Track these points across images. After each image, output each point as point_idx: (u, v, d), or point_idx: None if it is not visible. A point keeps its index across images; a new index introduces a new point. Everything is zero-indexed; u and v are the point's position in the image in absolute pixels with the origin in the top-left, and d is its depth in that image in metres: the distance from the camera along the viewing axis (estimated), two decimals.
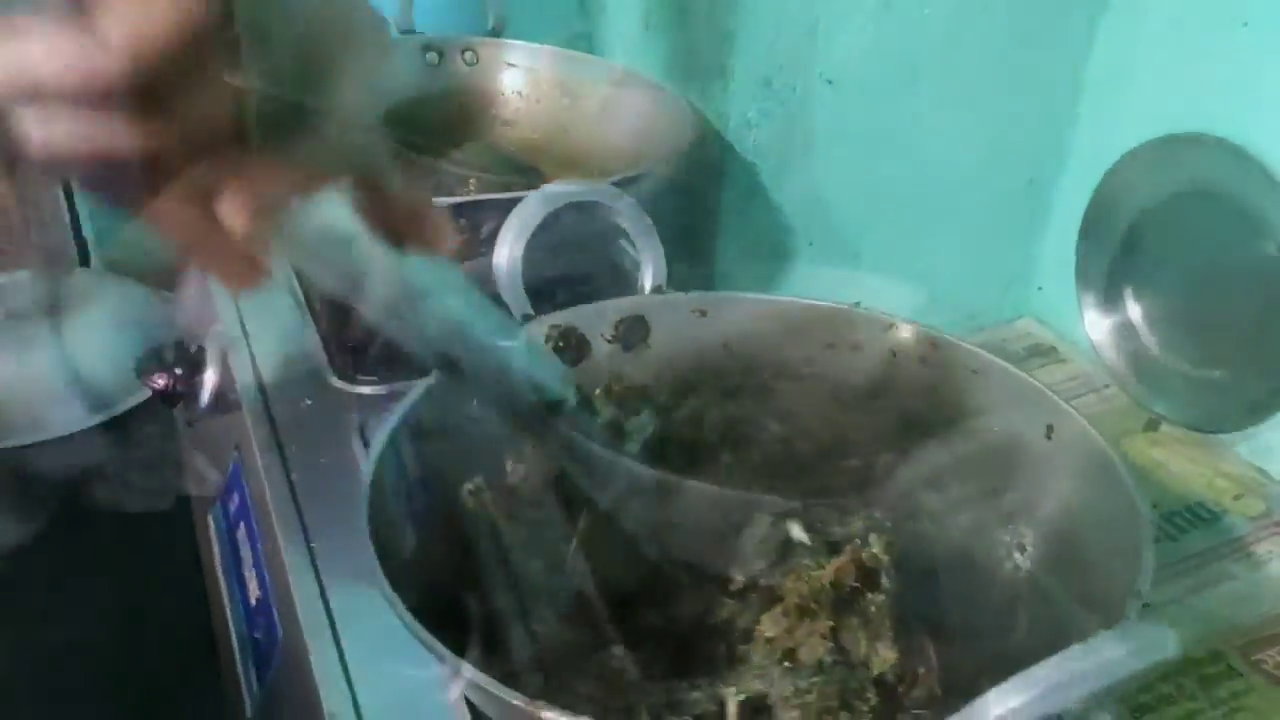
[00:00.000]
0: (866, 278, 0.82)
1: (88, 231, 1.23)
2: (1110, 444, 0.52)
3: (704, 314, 0.65)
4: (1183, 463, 0.95)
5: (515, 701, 0.39)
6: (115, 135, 0.30)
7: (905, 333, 0.63)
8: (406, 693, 0.55)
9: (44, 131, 0.30)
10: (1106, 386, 1.03)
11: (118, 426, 0.98)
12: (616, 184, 0.70)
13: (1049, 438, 0.56)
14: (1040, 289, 1.13)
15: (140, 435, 0.96)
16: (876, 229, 1.02)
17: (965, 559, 0.56)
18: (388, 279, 0.40)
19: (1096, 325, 1.02)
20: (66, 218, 1.16)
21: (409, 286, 0.41)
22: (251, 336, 0.83)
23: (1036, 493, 0.56)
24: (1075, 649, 0.33)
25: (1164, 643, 0.34)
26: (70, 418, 0.98)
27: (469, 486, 0.56)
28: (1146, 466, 0.96)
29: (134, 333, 1.05)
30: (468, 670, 0.40)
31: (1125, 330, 1.01)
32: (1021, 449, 0.57)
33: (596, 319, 0.64)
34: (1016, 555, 0.56)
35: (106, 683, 0.75)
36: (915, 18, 0.93)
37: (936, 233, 1.06)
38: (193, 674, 0.74)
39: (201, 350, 0.82)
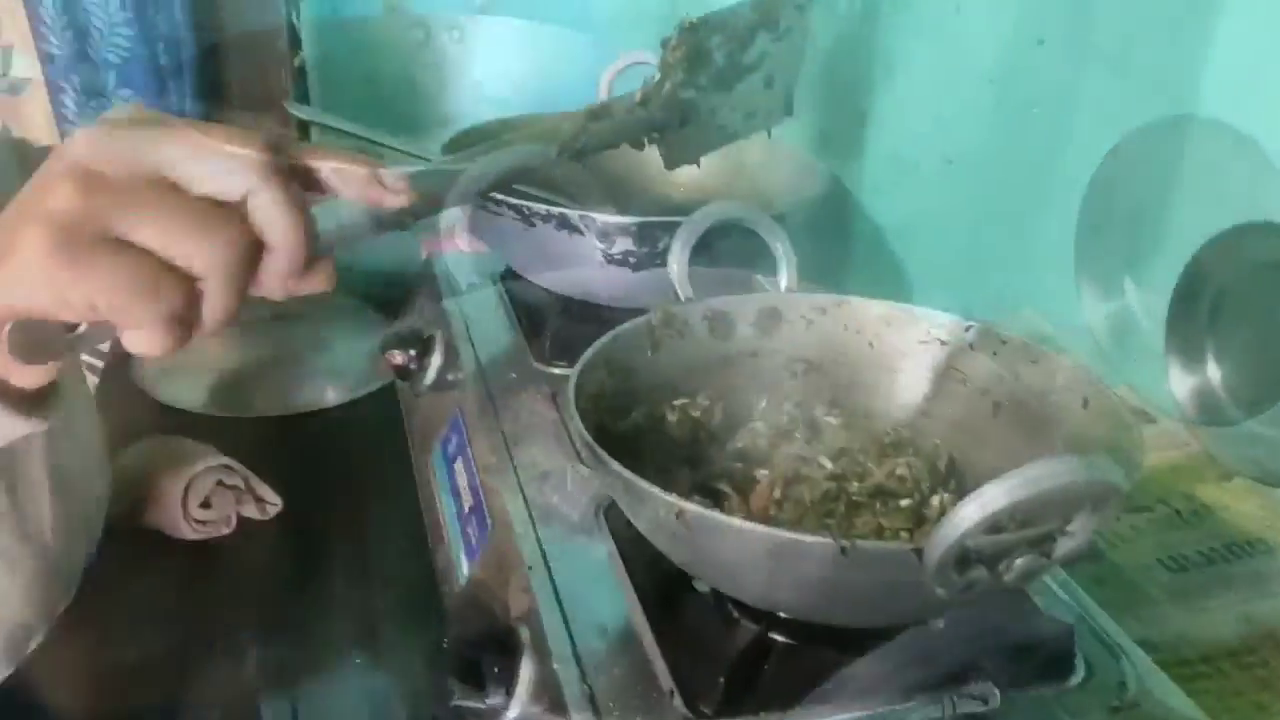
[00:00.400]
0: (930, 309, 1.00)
1: None
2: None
3: (824, 311, 0.85)
4: (1251, 508, 1.07)
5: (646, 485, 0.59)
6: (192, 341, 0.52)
7: (982, 332, 0.81)
8: (581, 557, 0.75)
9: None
10: (1188, 444, 1.16)
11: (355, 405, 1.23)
12: None
13: (1085, 407, 0.73)
14: (1134, 361, 1.27)
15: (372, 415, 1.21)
16: (985, 292, 1.19)
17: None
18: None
19: (1180, 385, 1.16)
20: None
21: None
22: (471, 328, 1.06)
23: (1069, 446, 0.72)
24: (1049, 458, 0.50)
25: (1111, 468, 0.51)
26: (315, 397, 1.23)
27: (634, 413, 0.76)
28: (1215, 508, 1.09)
29: (364, 335, 1.29)
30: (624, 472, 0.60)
31: (1205, 390, 1.14)
32: (1064, 416, 0.74)
33: (740, 307, 0.84)
34: None
35: (341, 593, 0.97)
36: (1023, 115, 1.11)
37: (1040, 303, 1.22)
38: (415, 571, 0.95)
39: (432, 338, 1.05)
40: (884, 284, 1.15)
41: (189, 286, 0.48)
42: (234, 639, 0.91)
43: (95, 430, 0.78)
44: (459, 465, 0.92)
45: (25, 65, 1.61)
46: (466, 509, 0.87)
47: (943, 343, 0.82)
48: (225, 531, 1.01)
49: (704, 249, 0.87)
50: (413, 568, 0.96)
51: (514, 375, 0.98)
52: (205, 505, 0.99)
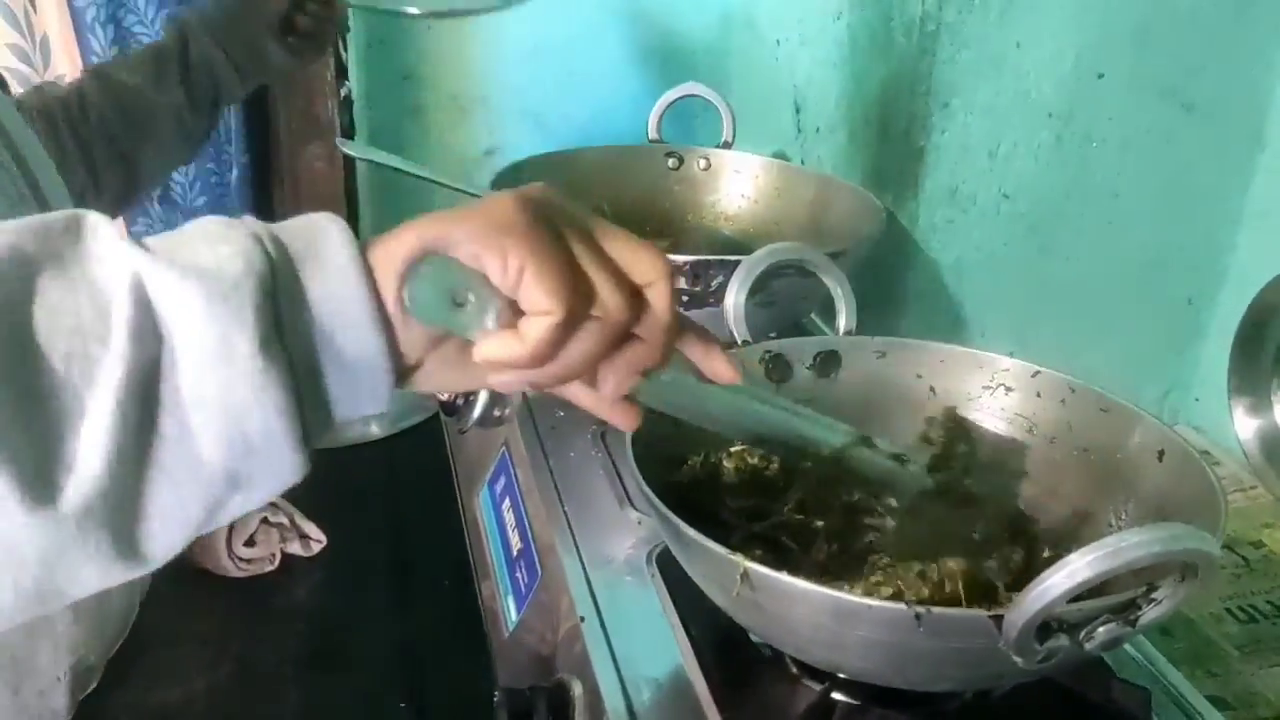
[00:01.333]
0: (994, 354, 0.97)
1: None
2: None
3: (884, 355, 0.82)
4: None
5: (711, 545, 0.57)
6: (539, 379, 0.48)
7: (1049, 379, 0.78)
8: (634, 605, 0.73)
9: (501, 381, 0.48)
10: (1254, 487, 1.13)
11: (397, 440, 1.21)
12: None
13: (1160, 460, 0.70)
14: (1197, 400, 1.24)
15: (415, 449, 1.19)
16: (1043, 329, 1.17)
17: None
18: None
19: (1245, 428, 1.13)
20: None
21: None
22: None
23: (1147, 500, 0.70)
24: (1136, 528, 0.47)
25: (1200, 537, 0.49)
26: (362, 430, 1.21)
27: (690, 461, 0.74)
28: None
29: None
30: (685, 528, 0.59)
31: (1272, 435, 1.11)
32: (1138, 468, 0.71)
33: (799, 350, 0.81)
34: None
35: (385, 628, 0.96)
36: (1083, 149, 1.09)
37: (1100, 338, 1.19)
38: (461, 612, 0.94)
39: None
40: (940, 322, 1.12)
41: (585, 316, 0.46)
42: (278, 678, 0.90)
43: None
44: (507, 506, 0.90)
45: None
46: (515, 553, 0.85)
47: (1008, 389, 0.80)
48: (270, 569, 1.00)
49: (758, 288, 0.86)
50: (458, 608, 0.95)
51: (561, 414, 0.96)
52: (250, 543, 0.98)
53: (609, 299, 0.46)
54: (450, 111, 1.50)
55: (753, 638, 0.70)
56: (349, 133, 1.55)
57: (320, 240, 0.43)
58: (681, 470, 0.74)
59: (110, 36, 1.60)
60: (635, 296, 0.47)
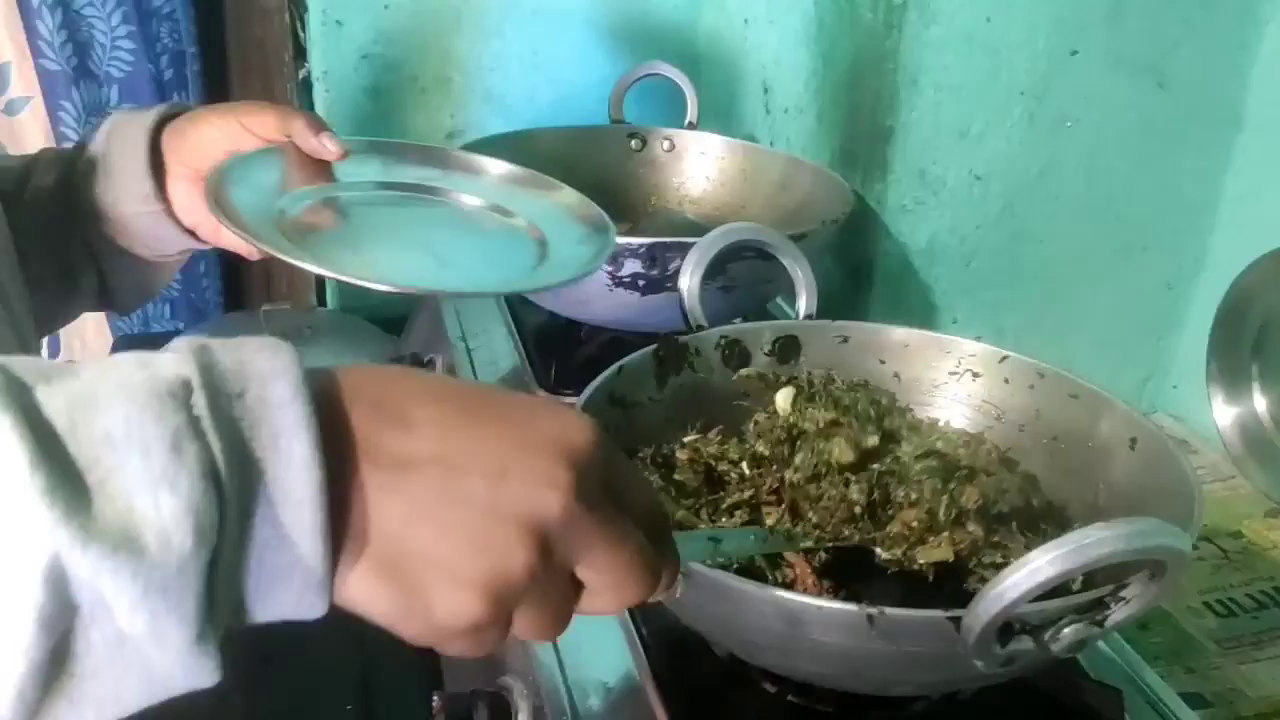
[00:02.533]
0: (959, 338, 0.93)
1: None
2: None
3: (845, 340, 0.79)
4: None
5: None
6: None
7: (1017, 364, 0.75)
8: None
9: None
10: (1233, 476, 1.10)
11: None
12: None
13: (1132, 448, 0.67)
14: (1175, 387, 1.21)
15: None
16: (1016, 314, 1.13)
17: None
18: None
19: (1224, 415, 1.10)
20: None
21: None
22: (473, 352, 1.00)
23: (1118, 489, 0.66)
24: (1102, 524, 0.44)
25: (1171, 532, 0.45)
26: None
27: (641, 453, 0.70)
28: (1262, 546, 1.03)
29: (362, 357, 1.23)
30: None
31: (1251, 421, 1.08)
32: (1110, 457, 0.68)
33: (756, 335, 0.78)
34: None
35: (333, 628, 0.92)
36: (1056, 129, 1.05)
37: (1077, 324, 1.16)
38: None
39: (432, 362, 1.00)
40: (910, 307, 1.09)
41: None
42: (218, 686, 0.86)
43: None
44: None
45: (22, 84, 1.57)
46: None
47: (975, 375, 0.76)
48: None
49: (717, 272, 0.82)
50: None
51: None
52: None
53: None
54: (411, 93, 1.46)
55: (703, 638, 0.66)
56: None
57: (280, 451, 0.34)
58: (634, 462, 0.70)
59: (58, 21, 1.56)
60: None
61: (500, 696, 0.66)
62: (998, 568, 0.64)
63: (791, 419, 0.73)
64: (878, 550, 0.65)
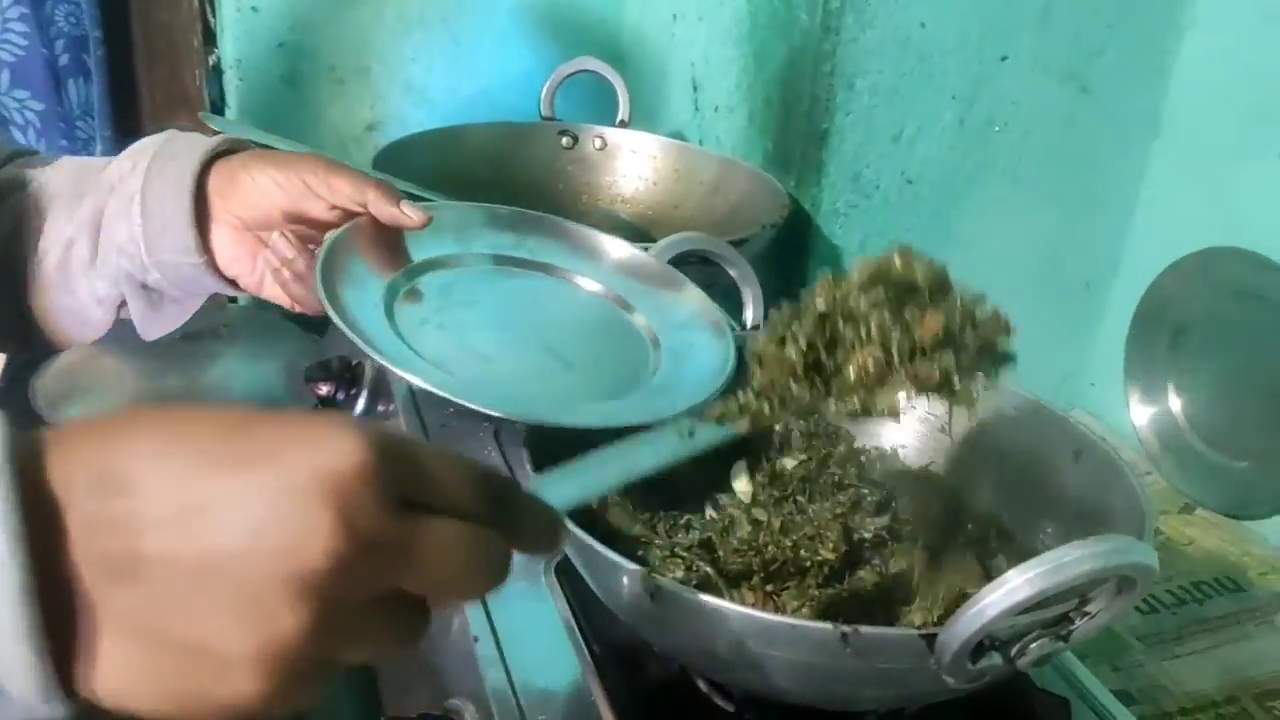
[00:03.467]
0: None
1: None
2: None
3: None
4: (1214, 542, 1.04)
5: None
6: None
7: None
8: (530, 621, 0.68)
9: None
10: (1148, 473, 1.13)
11: None
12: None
13: (1076, 460, 0.68)
14: (1093, 384, 1.24)
15: None
16: None
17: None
18: None
19: (1140, 415, 1.13)
20: None
21: None
22: None
23: (1064, 501, 0.67)
24: (1077, 542, 0.45)
25: (1142, 549, 0.46)
26: None
27: None
28: (1180, 542, 1.06)
29: (280, 359, 1.20)
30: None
31: (1166, 421, 1.11)
32: (1054, 469, 0.69)
33: None
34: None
35: None
36: (985, 133, 1.07)
37: None
38: None
39: (360, 365, 0.97)
40: None
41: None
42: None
43: None
44: None
45: None
46: None
47: None
48: None
49: None
50: None
51: (450, 409, 0.90)
52: None
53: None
54: (328, 83, 1.42)
55: (658, 652, 0.66)
56: (218, 105, 1.45)
57: None
58: None
59: None
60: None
61: (449, 718, 0.64)
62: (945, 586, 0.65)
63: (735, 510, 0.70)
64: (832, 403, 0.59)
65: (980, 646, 0.50)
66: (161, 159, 0.71)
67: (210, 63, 1.46)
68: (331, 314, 0.63)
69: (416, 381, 0.60)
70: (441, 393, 0.60)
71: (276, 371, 1.17)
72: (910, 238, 1.10)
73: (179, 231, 0.70)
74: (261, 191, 0.70)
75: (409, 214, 0.71)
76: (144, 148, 0.72)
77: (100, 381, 1.16)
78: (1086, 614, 0.51)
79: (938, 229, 1.10)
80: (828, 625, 0.49)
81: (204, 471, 0.32)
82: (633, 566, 0.53)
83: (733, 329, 0.74)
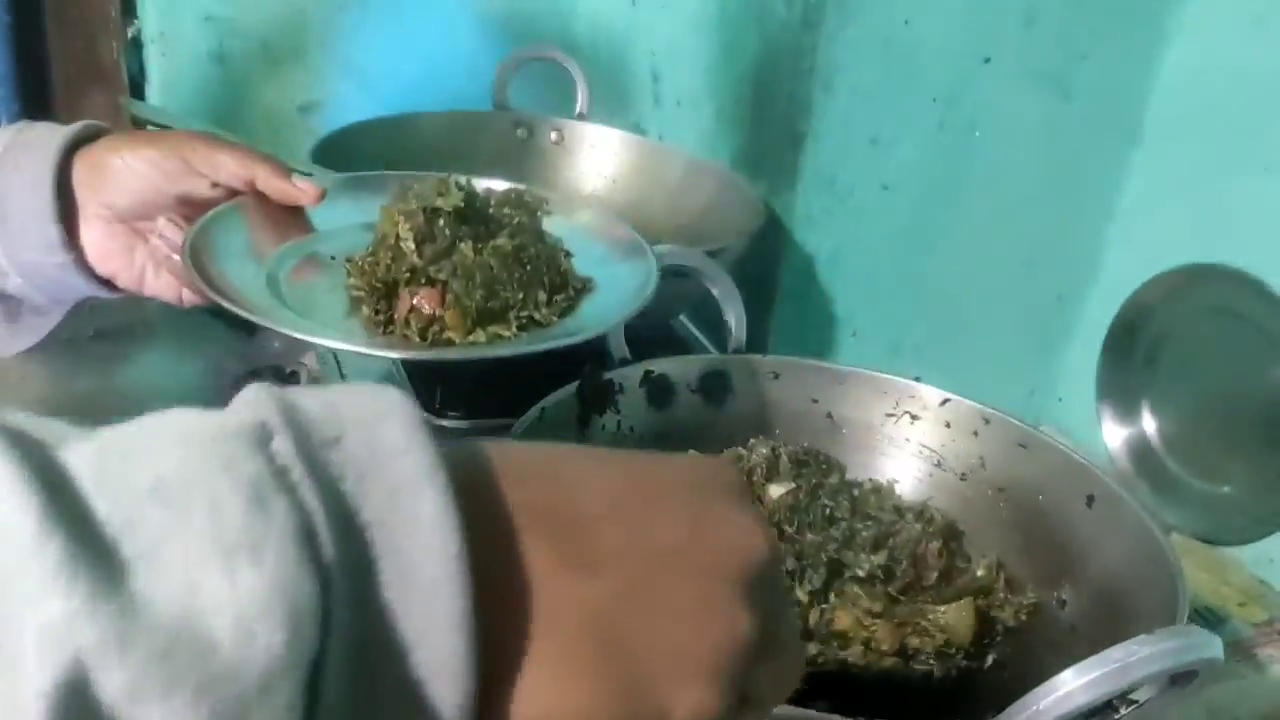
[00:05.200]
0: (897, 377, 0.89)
1: None
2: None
3: (777, 376, 0.72)
4: (1191, 569, 1.00)
5: None
6: None
7: (960, 408, 0.70)
8: None
9: None
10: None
11: None
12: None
13: (1089, 506, 0.63)
14: (1060, 400, 1.21)
15: None
16: (914, 327, 1.10)
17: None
18: None
19: (1113, 436, 1.09)
20: None
21: None
22: (344, 366, 0.90)
23: (1077, 554, 0.62)
24: (1142, 636, 0.39)
25: (1214, 644, 0.41)
26: None
27: None
28: None
29: (204, 359, 1.11)
30: None
31: (1141, 442, 1.07)
32: (1064, 515, 0.64)
33: (684, 371, 0.71)
34: (1058, 610, 0.62)
35: None
36: (966, 138, 1.02)
37: (969, 336, 1.14)
38: None
39: (295, 375, 0.89)
40: (811, 320, 1.04)
41: None
42: None
43: None
44: None
45: None
46: None
47: (914, 417, 0.71)
48: None
49: None
50: None
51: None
52: None
53: None
54: (261, 62, 1.32)
55: None
56: (138, 82, 1.35)
57: (400, 511, 0.25)
58: None
59: None
60: None
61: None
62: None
63: None
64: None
65: None
66: (15, 150, 0.64)
67: (129, 35, 1.36)
68: (198, 282, 0.59)
69: (301, 336, 0.58)
70: (325, 342, 0.59)
71: (200, 374, 1.08)
72: (884, 245, 1.05)
73: (40, 228, 0.63)
74: (135, 174, 0.64)
75: (302, 188, 0.67)
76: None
77: (6, 387, 1.06)
78: (1133, 702, 0.45)
79: (912, 236, 1.05)
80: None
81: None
82: None
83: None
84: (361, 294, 0.62)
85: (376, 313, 0.61)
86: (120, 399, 1.05)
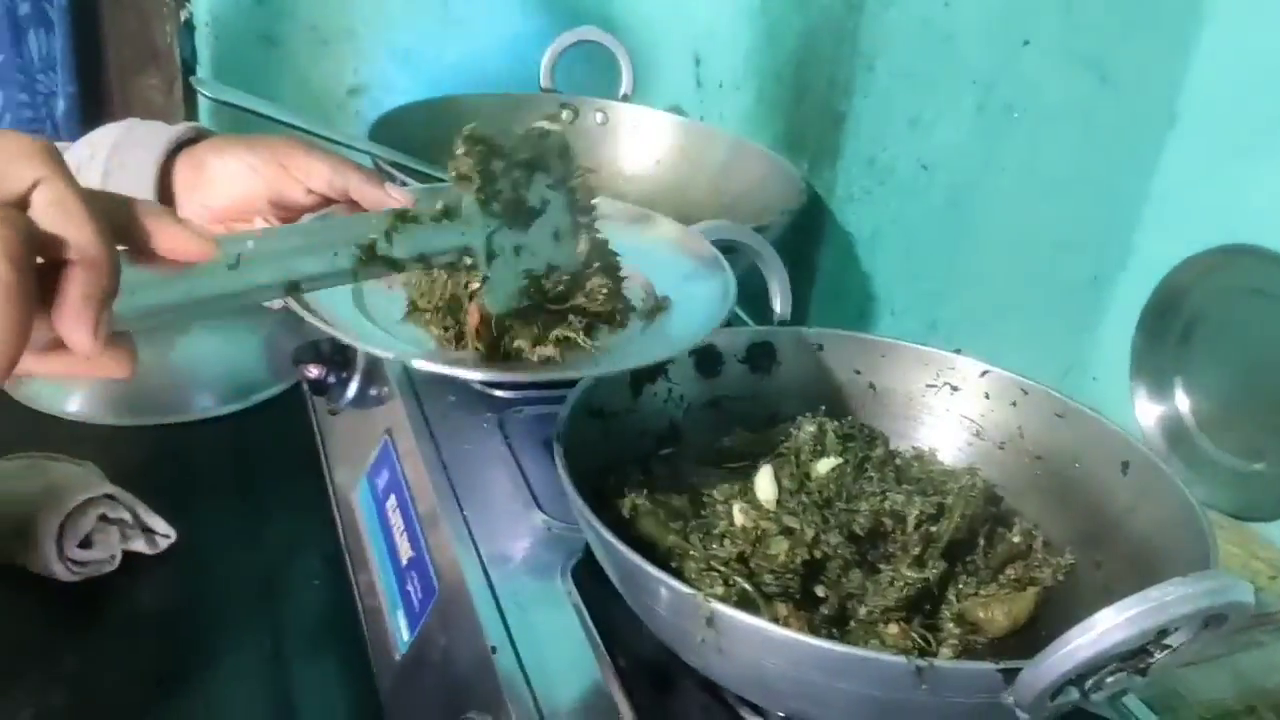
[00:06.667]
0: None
1: None
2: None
3: (821, 348, 0.75)
4: (1222, 544, 1.02)
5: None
6: None
7: (999, 379, 0.73)
8: (550, 628, 0.64)
9: None
10: None
11: (252, 415, 1.08)
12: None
13: (1124, 473, 0.65)
14: (1095, 379, 1.22)
15: (272, 425, 1.06)
16: (951, 306, 1.12)
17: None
18: None
19: (1147, 414, 1.11)
20: None
21: None
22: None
23: (1112, 519, 0.65)
24: (1177, 579, 0.42)
25: (1245, 588, 0.43)
26: (208, 403, 1.07)
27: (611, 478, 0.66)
28: None
29: (259, 333, 1.14)
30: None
31: (1174, 420, 1.09)
32: (1100, 482, 0.66)
33: (731, 342, 0.73)
34: (1094, 572, 0.64)
35: (249, 642, 0.84)
36: (1004, 119, 1.04)
37: (1005, 315, 1.16)
38: (332, 630, 0.83)
39: (352, 348, 0.92)
40: (849, 299, 1.06)
41: None
42: (122, 704, 0.78)
43: None
44: (392, 506, 0.79)
45: None
46: (405, 561, 0.75)
47: (954, 388, 0.74)
48: (109, 569, 0.87)
49: None
50: (334, 613, 0.84)
51: (452, 398, 0.86)
52: (85, 544, 0.85)
53: None
54: (309, 44, 1.35)
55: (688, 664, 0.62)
56: (190, 63, 1.38)
57: None
58: (613, 479, 0.65)
59: None
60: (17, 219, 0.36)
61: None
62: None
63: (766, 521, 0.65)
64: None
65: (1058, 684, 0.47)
66: (122, 149, 0.67)
67: (182, 18, 1.39)
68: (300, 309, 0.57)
69: (382, 353, 0.59)
70: (415, 363, 0.58)
71: (256, 347, 1.11)
72: (922, 225, 1.07)
73: None
74: (233, 177, 0.67)
75: (395, 195, 0.68)
76: (103, 136, 0.69)
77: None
78: (1166, 647, 0.48)
79: (950, 216, 1.07)
80: (901, 658, 0.46)
81: None
82: (686, 591, 0.49)
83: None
84: (427, 313, 0.61)
85: (446, 329, 0.60)
86: (179, 369, 1.09)
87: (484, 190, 0.59)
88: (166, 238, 0.42)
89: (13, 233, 0.35)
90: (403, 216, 0.55)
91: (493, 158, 0.60)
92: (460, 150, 0.59)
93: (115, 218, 0.41)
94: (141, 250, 0.42)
